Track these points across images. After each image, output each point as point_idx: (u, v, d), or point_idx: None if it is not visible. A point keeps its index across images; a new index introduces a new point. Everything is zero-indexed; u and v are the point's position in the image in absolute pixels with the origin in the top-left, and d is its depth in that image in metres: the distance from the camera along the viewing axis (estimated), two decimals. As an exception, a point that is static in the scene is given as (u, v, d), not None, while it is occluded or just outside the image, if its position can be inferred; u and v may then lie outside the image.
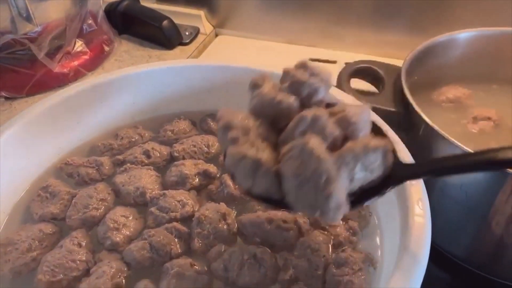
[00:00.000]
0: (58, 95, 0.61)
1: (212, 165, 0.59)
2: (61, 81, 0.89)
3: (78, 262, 0.48)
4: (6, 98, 0.90)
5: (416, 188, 0.47)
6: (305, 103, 0.41)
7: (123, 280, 0.46)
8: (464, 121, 0.69)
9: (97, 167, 0.59)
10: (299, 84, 0.41)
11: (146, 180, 0.56)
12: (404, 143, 0.51)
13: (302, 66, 0.43)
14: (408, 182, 0.48)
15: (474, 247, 0.61)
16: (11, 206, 0.55)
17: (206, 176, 0.57)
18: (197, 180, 0.57)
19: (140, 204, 0.55)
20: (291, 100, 0.40)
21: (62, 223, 0.53)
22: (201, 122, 0.67)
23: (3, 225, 0.53)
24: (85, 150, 0.63)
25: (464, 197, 0.58)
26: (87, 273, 0.48)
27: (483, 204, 0.57)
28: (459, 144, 0.53)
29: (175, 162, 0.58)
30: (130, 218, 0.52)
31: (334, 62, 0.98)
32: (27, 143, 0.57)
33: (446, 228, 0.60)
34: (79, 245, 0.49)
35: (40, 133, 0.59)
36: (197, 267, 0.47)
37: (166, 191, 0.54)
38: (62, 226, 0.53)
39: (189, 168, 0.57)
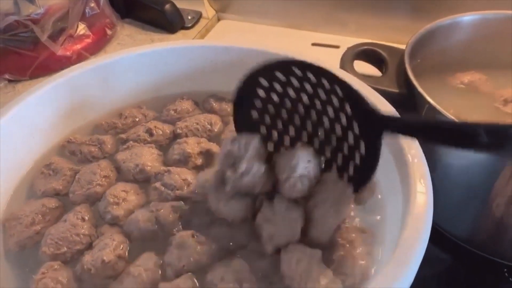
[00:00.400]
0: (61, 74, 0.61)
1: (215, 144, 0.59)
2: (64, 64, 0.90)
3: (81, 235, 0.48)
4: (9, 81, 0.90)
5: (418, 165, 0.47)
6: None
7: (126, 252, 0.47)
8: (495, 104, 0.68)
9: (99, 145, 0.59)
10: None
11: (147, 157, 0.56)
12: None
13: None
14: (410, 160, 0.48)
15: (475, 227, 0.61)
16: (15, 184, 0.56)
17: (208, 155, 0.58)
18: (200, 160, 0.57)
19: (140, 181, 0.55)
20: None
21: (65, 199, 0.54)
22: (204, 102, 0.67)
23: (7, 202, 0.54)
24: (89, 129, 0.63)
25: (466, 178, 0.59)
26: (90, 246, 0.48)
27: (484, 186, 0.57)
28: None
29: (178, 140, 0.58)
30: (131, 192, 0.52)
31: (337, 47, 0.98)
32: (31, 122, 0.58)
33: (447, 209, 0.61)
34: (83, 219, 0.50)
35: (44, 112, 0.59)
36: (197, 237, 0.47)
37: (171, 168, 0.54)
38: (65, 201, 0.53)
39: (192, 146, 0.57)
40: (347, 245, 0.47)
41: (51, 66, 0.91)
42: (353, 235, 0.47)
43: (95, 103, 0.64)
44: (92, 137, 0.60)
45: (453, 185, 0.59)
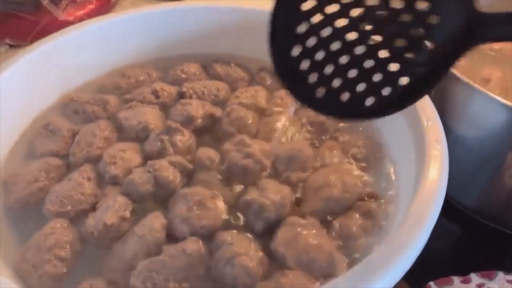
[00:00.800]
0: (64, 32, 0.60)
1: (219, 108, 0.57)
2: (66, 29, 0.87)
3: (86, 195, 0.47)
4: (10, 46, 0.88)
5: (434, 128, 0.46)
6: None
7: (129, 214, 0.46)
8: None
9: (103, 105, 0.57)
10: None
11: (149, 116, 0.55)
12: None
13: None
14: (425, 122, 0.46)
15: (486, 198, 0.60)
16: (14, 141, 0.54)
17: (210, 119, 0.56)
18: (201, 121, 0.56)
19: (142, 138, 0.54)
20: None
21: (66, 159, 0.52)
22: (208, 67, 0.65)
23: (6, 159, 0.53)
24: (92, 88, 0.62)
25: (479, 148, 0.57)
26: (94, 207, 0.47)
27: (498, 156, 0.55)
28: (476, 86, 0.51)
29: (182, 100, 0.57)
30: (128, 152, 0.51)
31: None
32: (31, 79, 0.56)
33: (458, 179, 0.59)
34: (88, 178, 0.48)
35: (45, 70, 0.57)
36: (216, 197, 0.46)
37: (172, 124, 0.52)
38: (67, 161, 0.52)
39: (196, 109, 0.56)
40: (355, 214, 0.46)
41: (52, 31, 0.87)
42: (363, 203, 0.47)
43: (97, 63, 0.62)
44: (95, 96, 0.58)
45: (465, 154, 0.58)
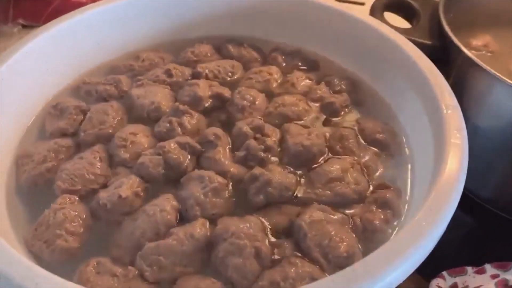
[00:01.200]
0: (78, 12, 0.59)
1: (227, 89, 0.56)
2: (79, 9, 0.86)
3: (97, 175, 0.47)
4: (23, 26, 0.87)
5: (453, 116, 0.45)
6: None
7: (142, 191, 0.46)
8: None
9: (115, 84, 0.57)
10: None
11: (161, 96, 0.54)
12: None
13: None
14: (444, 110, 0.45)
15: (502, 188, 0.59)
16: (27, 122, 0.54)
17: (219, 99, 0.56)
18: (210, 102, 0.55)
19: (153, 119, 0.53)
20: None
21: (77, 139, 0.52)
22: (221, 47, 0.64)
23: (20, 140, 0.52)
24: (105, 71, 0.61)
25: (499, 137, 0.56)
26: (104, 187, 0.47)
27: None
28: (498, 75, 0.50)
29: (189, 81, 0.56)
30: (140, 135, 0.50)
31: (362, 3, 0.94)
32: (44, 59, 0.55)
33: (474, 168, 0.58)
34: (100, 159, 0.48)
35: (59, 50, 0.57)
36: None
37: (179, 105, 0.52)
38: (76, 140, 0.52)
39: (203, 89, 0.55)
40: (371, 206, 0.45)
41: (65, 12, 0.87)
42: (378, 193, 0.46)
43: (110, 45, 0.62)
44: (107, 77, 0.58)
45: (483, 144, 0.56)
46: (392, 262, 0.33)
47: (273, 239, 0.42)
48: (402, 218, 0.44)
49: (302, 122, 0.53)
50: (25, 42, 0.53)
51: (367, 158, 0.49)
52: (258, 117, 0.53)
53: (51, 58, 0.56)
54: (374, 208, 0.44)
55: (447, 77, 0.51)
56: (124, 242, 0.42)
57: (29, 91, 0.54)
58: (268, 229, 0.43)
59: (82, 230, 0.43)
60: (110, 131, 0.51)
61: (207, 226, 0.43)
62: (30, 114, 0.55)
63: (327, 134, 0.52)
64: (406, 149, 0.51)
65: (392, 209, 0.44)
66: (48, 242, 0.42)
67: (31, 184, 0.48)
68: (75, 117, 0.53)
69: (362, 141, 0.52)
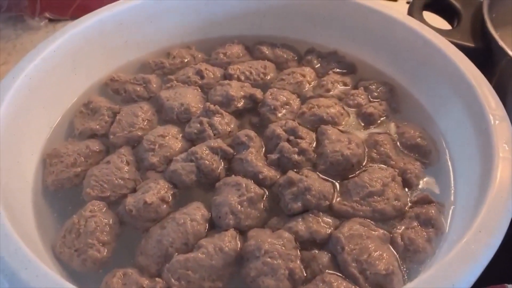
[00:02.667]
0: (106, 9, 0.57)
1: (259, 90, 0.55)
2: (106, 5, 0.85)
3: (126, 179, 0.46)
4: (50, 20, 0.87)
5: (502, 127, 0.42)
6: None
7: (170, 196, 0.44)
8: None
9: (144, 84, 0.56)
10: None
11: (191, 98, 0.53)
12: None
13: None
14: (492, 120, 0.42)
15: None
16: (55, 119, 0.53)
17: (251, 100, 0.54)
18: (242, 103, 0.53)
19: (183, 121, 0.52)
20: None
21: (106, 141, 0.51)
22: (253, 48, 0.62)
23: (47, 137, 0.52)
24: (133, 68, 0.60)
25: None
26: (134, 191, 0.46)
27: None
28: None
29: (221, 81, 0.55)
30: (168, 137, 0.49)
31: (395, 0, 0.91)
32: (72, 58, 0.54)
33: None
34: (127, 163, 0.47)
35: (87, 48, 0.55)
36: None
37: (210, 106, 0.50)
38: (107, 144, 0.51)
39: (235, 89, 0.53)
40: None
41: (92, 6, 0.86)
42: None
43: (140, 42, 0.60)
44: (136, 76, 0.57)
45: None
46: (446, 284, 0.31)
47: (305, 252, 0.41)
48: (445, 233, 0.42)
49: (339, 126, 0.51)
50: (52, 40, 0.52)
51: (405, 165, 0.47)
52: (291, 119, 0.51)
53: (78, 56, 0.55)
54: (416, 225, 0.42)
55: (489, 81, 0.48)
56: (151, 251, 0.41)
57: (56, 89, 0.53)
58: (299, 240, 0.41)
59: (113, 238, 0.42)
60: (140, 133, 0.50)
61: (237, 239, 0.41)
62: (57, 112, 0.54)
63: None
64: (448, 158, 0.48)
65: (435, 227, 0.42)
66: (79, 251, 0.41)
67: (58, 187, 0.47)
68: (107, 118, 0.52)
69: (400, 147, 0.50)
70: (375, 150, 0.49)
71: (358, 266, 0.38)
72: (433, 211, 0.42)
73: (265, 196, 0.44)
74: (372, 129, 0.52)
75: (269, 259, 0.38)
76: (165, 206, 0.44)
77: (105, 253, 0.41)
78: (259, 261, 0.38)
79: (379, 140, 0.49)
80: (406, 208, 0.44)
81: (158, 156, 0.48)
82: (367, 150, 0.49)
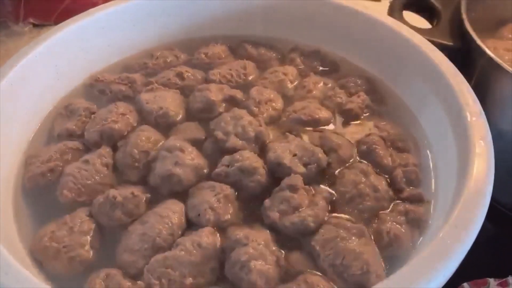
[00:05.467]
0: (87, 14, 0.58)
1: (239, 91, 0.55)
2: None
3: (104, 185, 0.46)
4: (34, 25, 0.87)
5: (478, 124, 0.42)
6: None
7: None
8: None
9: (129, 84, 0.56)
10: None
11: (170, 102, 0.53)
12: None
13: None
14: (468, 117, 0.43)
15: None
16: (37, 125, 0.53)
17: (232, 101, 0.54)
18: (223, 105, 0.53)
19: (161, 125, 0.52)
20: None
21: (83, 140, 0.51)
22: (238, 48, 0.62)
23: (29, 141, 0.52)
24: (118, 70, 0.60)
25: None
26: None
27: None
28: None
29: (199, 86, 0.54)
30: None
31: (378, 0, 0.92)
32: (54, 63, 0.54)
33: (497, 173, 0.56)
34: (107, 166, 0.47)
35: (69, 53, 0.56)
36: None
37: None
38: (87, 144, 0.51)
39: (215, 94, 0.53)
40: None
41: (77, 11, 0.86)
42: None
43: (122, 45, 0.60)
44: (121, 75, 0.57)
45: (505, 148, 0.54)
46: (415, 284, 0.31)
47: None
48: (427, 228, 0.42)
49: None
50: (34, 45, 0.52)
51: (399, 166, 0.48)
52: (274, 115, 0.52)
53: (60, 61, 0.55)
54: (402, 220, 0.43)
55: (468, 80, 0.49)
56: (136, 245, 0.40)
57: (38, 94, 0.53)
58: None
59: (99, 244, 0.42)
60: (113, 125, 0.50)
61: (216, 235, 0.41)
62: (39, 117, 0.54)
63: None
64: (428, 155, 0.49)
65: (420, 228, 0.42)
66: (68, 248, 0.41)
67: (33, 184, 0.47)
68: (84, 119, 0.52)
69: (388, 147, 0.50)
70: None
71: (335, 270, 0.39)
72: (422, 211, 0.43)
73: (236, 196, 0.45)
74: (354, 126, 0.52)
75: (258, 246, 0.39)
76: (142, 206, 0.44)
77: (91, 256, 0.41)
78: (248, 247, 0.39)
79: (368, 141, 0.49)
80: (392, 196, 0.45)
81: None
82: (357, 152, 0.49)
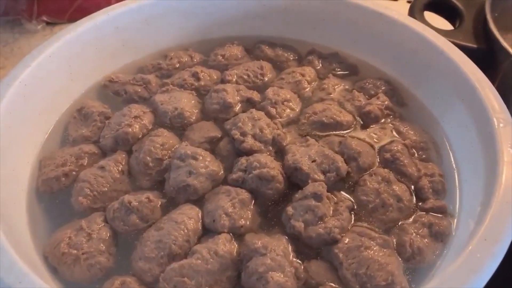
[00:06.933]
0: (102, 13, 0.56)
1: (255, 92, 0.54)
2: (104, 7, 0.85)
3: (119, 192, 0.45)
4: (48, 23, 0.86)
5: (506, 130, 0.41)
6: None
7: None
8: None
9: (144, 85, 0.55)
10: None
11: (185, 102, 0.52)
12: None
13: None
14: (496, 123, 0.41)
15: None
16: (51, 125, 0.52)
17: (249, 103, 0.53)
18: (240, 106, 0.53)
19: (176, 126, 0.51)
20: None
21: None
22: (254, 49, 0.61)
23: (42, 143, 0.51)
24: (132, 71, 0.59)
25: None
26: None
27: None
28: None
29: (215, 87, 0.53)
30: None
31: None
32: (68, 63, 0.53)
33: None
34: (122, 172, 0.46)
35: (83, 51, 0.55)
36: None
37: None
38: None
39: (232, 95, 0.52)
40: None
41: (90, 9, 0.85)
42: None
43: (137, 45, 0.59)
44: (135, 76, 0.56)
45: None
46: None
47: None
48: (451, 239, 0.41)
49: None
50: (48, 45, 0.51)
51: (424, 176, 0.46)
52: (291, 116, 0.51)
53: (74, 61, 0.54)
54: (426, 232, 0.41)
55: (492, 82, 0.47)
56: (152, 253, 0.39)
57: (52, 95, 0.52)
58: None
59: (114, 251, 0.42)
60: (127, 129, 0.49)
61: (232, 242, 0.40)
62: (53, 118, 0.53)
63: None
64: (452, 163, 0.47)
65: (444, 242, 0.41)
66: (88, 255, 0.40)
67: (46, 187, 0.46)
68: (99, 124, 0.51)
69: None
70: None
71: (358, 280, 0.37)
72: (446, 224, 0.41)
73: (253, 202, 0.44)
74: (374, 129, 0.51)
75: (276, 256, 0.37)
76: (157, 211, 0.43)
77: (111, 263, 0.40)
78: (266, 258, 0.37)
79: (392, 149, 0.47)
80: (415, 207, 0.44)
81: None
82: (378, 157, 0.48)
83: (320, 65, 0.59)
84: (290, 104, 0.53)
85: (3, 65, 0.77)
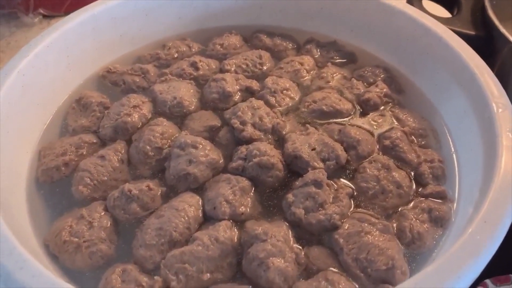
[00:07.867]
0: (99, 3, 0.56)
1: (255, 81, 0.54)
2: (101, -1, 0.84)
3: (119, 181, 0.45)
4: (44, 16, 0.86)
5: (505, 115, 0.41)
6: None
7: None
8: None
9: (143, 75, 0.55)
10: None
11: (184, 92, 0.52)
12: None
13: None
14: (495, 108, 0.42)
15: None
16: (50, 115, 0.52)
17: (248, 92, 0.53)
18: (239, 95, 0.53)
19: (176, 115, 0.51)
20: None
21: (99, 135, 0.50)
22: (252, 38, 0.61)
23: (41, 133, 0.51)
24: (130, 61, 0.59)
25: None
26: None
27: None
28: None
29: (214, 77, 0.53)
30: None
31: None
32: (66, 53, 0.53)
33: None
34: (122, 161, 0.46)
35: (81, 42, 0.54)
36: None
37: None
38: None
39: (231, 84, 0.52)
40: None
41: (87, 1, 0.85)
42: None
43: (134, 35, 0.59)
44: (133, 66, 0.56)
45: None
46: (445, 283, 0.30)
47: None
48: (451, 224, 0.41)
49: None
50: (45, 35, 0.51)
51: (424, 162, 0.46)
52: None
53: (72, 51, 0.54)
54: (425, 218, 0.41)
55: (491, 69, 0.47)
56: (152, 240, 0.40)
57: (50, 85, 0.52)
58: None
59: (115, 239, 0.42)
60: (126, 118, 0.49)
61: (233, 229, 0.41)
62: (51, 108, 0.53)
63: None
64: (451, 148, 0.47)
65: (443, 227, 0.41)
66: (90, 243, 0.40)
67: (46, 177, 0.46)
68: (98, 114, 0.51)
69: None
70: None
71: (359, 265, 0.38)
72: (446, 209, 0.42)
73: (253, 189, 0.44)
74: (374, 117, 0.51)
75: (277, 242, 0.38)
76: (158, 199, 0.43)
77: (113, 251, 0.41)
78: (267, 244, 0.38)
79: (391, 136, 0.48)
80: (414, 193, 0.44)
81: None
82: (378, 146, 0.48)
83: (319, 53, 0.59)
84: (289, 93, 0.53)
85: (0, 59, 0.76)
